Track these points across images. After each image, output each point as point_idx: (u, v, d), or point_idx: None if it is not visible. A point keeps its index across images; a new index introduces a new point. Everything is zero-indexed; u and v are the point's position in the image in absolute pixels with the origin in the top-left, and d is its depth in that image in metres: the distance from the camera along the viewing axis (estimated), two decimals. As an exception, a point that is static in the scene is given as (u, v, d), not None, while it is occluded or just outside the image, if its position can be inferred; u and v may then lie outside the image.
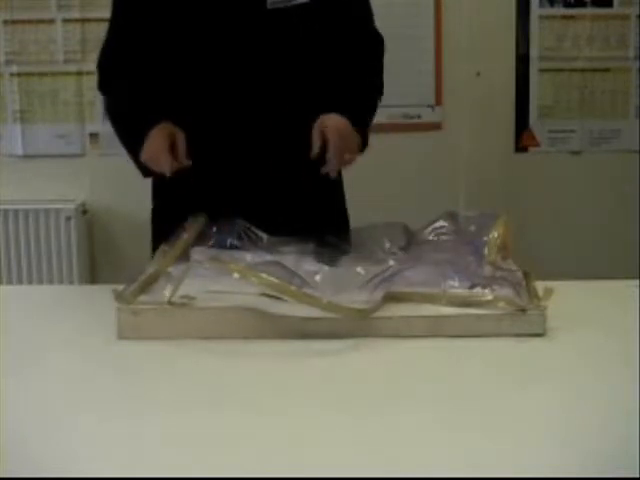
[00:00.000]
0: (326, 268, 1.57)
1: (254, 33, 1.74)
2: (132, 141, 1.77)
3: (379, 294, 1.50)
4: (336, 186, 1.93)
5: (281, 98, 1.76)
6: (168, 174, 1.67)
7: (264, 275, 1.47)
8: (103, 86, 1.89)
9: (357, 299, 1.48)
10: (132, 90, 1.82)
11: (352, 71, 1.78)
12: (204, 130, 1.80)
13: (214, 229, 1.68)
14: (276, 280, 1.46)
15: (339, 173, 1.94)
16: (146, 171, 1.77)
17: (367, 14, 1.84)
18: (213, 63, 1.77)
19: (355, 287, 1.52)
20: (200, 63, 1.78)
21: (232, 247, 1.63)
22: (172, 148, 1.69)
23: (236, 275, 1.48)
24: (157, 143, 1.70)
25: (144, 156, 1.73)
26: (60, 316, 1.61)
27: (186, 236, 1.68)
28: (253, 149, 1.74)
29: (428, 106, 3.14)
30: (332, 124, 1.68)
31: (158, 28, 1.77)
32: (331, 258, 1.62)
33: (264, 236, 1.67)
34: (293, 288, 1.46)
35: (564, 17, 3.12)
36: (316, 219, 1.82)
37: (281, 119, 1.76)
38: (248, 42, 1.75)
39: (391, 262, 1.60)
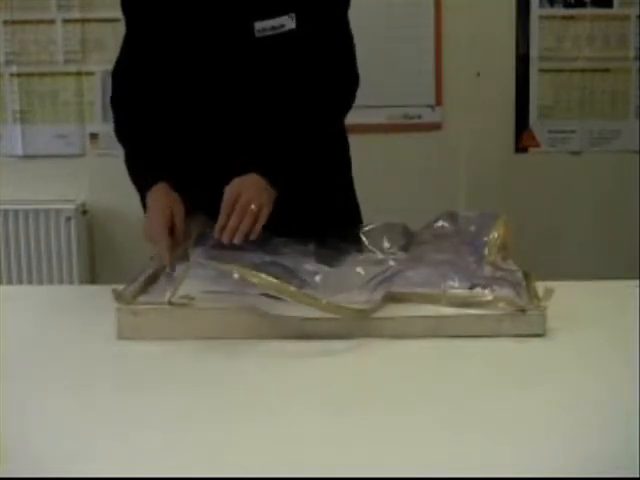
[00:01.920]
0: (326, 268, 1.57)
1: (242, 60, 1.75)
2: (138, 185, 1.77)
3: (379, 294, 1.50)
4: (345, 184, 1.93)
5: (268, 120, 1.75)
6: (166, 263, 1.61)
7: (263, 275, 1.47)
8: (113, 104, 1.89)
9: (357, 299, 1.48)
10: (139, 116, 1.82)
11: (307, 109, 1.74)
12: (205, 140, 1.82)
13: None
14: (275, 280, 1.46)
15: (347, 170, 1.94)
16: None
17: (348, 50, 1.82)
18: (206, 87, 1.78)
19: (355, 287, 1.52)
20: (196, 85, 1.80)
21: (232, 247, 1.63)
22: (172, 228, 1.64)
23: (236, 275, 1.48)
24: (157, 225, 1.63)
25: (145, 235, 1.66)
26: (60, 316, 1.61)
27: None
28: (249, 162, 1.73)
29: (428, 106, 3.14)
30: (234, 191, 1.60)
31: (161, 50, 1.79)
32: (331, 258, 1.62)
33: (264, 236, 1.67)
34: (292, 288, 1.46)
35: (564, 17, 3.12)
36: (328, 216, 1.82)
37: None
38: (237, 69, 1.76)
39: (391, 262, 1.60)
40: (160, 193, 1.69)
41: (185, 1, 1.76)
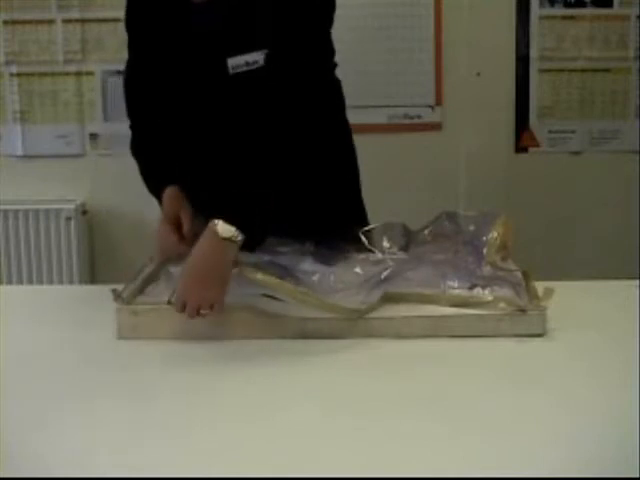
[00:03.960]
0: (323, 268, 1.57)
1: (218, 97, 1.72)
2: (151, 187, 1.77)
3: (376, 294, 1.50)
4: (350, 187, 1.92)
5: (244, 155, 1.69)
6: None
7: (260, 274, 1.47)
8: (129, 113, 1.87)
9: (353, 299, 1.48)
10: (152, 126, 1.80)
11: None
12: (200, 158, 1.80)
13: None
14: (272, 277, 1.46)
15: (353, 171, 1.92)
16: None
17: (317, 66, 1.71)
18: (191, 117, 1.76)
19: (352, 287, 1.52)
20: (185, 113, 1.78)
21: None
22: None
23: (234, 270, 1.47)
24: (166, 241, 1.64)
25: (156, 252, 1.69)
26: (60, 316, 1.61)
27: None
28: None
29: (428, 106, 3.14)
30: (179, 300, 1.49)
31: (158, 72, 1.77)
32: (330, 258, 1.62)
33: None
34: (288, 285, 1.46)
35: (564, 17, 3.12)
36: (332, 219, 1.81)
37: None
38: (213, 105, 1.73)
39: (390, 262, 1.60)
40: (168, 199, 1.69)
41: (169, 35, 1.72)
